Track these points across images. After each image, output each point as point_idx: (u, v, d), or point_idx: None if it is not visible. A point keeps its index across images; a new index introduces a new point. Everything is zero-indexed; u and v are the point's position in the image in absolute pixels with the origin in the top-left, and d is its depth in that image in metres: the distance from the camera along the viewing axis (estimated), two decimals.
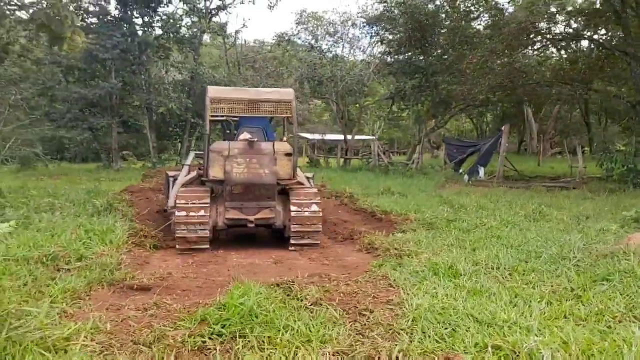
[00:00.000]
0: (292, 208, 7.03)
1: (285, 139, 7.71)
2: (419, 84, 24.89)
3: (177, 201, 6.92)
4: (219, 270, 5.88)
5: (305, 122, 36.78)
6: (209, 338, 3.35)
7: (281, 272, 5.64)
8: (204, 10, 25.61)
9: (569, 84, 19.46)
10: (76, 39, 13.56)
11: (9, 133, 22.06)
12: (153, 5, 23.36)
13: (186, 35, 24.37)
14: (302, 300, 4.02)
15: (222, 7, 26.24)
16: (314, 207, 7.05)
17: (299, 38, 26.94)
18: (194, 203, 6.85)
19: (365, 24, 24.12)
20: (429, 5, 22.43)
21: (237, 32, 32.48)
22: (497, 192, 14.62)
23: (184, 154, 25.37)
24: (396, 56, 25.06)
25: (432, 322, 3.52)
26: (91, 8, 23.11)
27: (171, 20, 22.93)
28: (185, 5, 23.48)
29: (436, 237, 7.09)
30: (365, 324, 3.59)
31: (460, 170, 21.29)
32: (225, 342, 3.32)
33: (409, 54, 24.56)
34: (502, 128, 19.70)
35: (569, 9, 17.03)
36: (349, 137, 27.54)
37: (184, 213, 6.77)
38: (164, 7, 23.92)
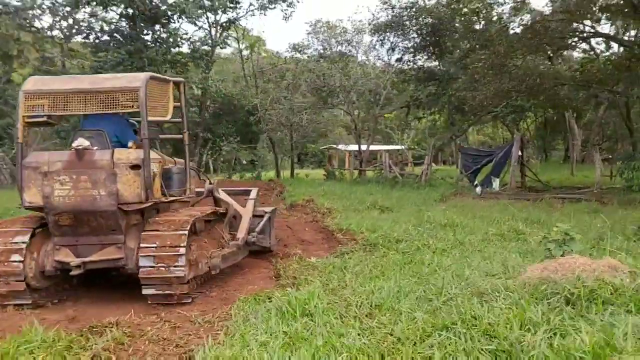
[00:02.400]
0: (142, 244, 5.22)
1: (131, 144, 5.62)
2: (434, 91, 24.12)
3: None
4: None
5: (329, 132, 36.44)
6: None
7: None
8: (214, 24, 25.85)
9: (596, 86, 18.23)
10: (27, 56, 13.82)
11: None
12: (163, 21, 23.75)
13: (199, 50, 24.58)
14: None
15: (233, 21, 26.35)
16: (177, 242, 5.20)
17: (309, 48, 26.72)
18: (6, 245, 5.21)
19: (374, 32, 23.60)
20: (442, 8, 21.70)
21: (251, 45, 32.44)
22: (497, 205, 13.84)
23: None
24: (410, 63, 24.45)
25: None
26: (99, 26, 23.77)
27: (172, 36, 23.19)
28: (186, 20, 23.69)
29: (360, 262, 6.59)
30: None
31: (476, 182, 20.39)
32: None
33: (424, 60, 23.89)
34: (515, 136, 18.68)
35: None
36: (363, 147, 26.98)
37: None
38: (174, 23, 24.31)
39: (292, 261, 6.81)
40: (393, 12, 22.32)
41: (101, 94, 5.27)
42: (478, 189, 18.57)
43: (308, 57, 26.70)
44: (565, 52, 23.18)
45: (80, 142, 5.29)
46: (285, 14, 27.21)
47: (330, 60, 24.98)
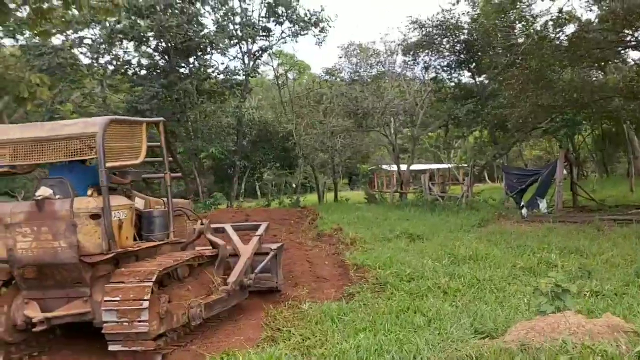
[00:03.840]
0: (105, 297, 4.93)
1: (91, 191, 5.30)
2: (473, 108, 23.30)
3: None
4: None
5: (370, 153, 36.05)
6: None
7: None
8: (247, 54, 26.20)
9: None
10: (40, 96, 14.18)
11: None
12: (199, 53, 24.28)
13: (229, 81, 24.95)
14: None
15: (265, 49, 26.60)
16: (140, 295, 4.85)
17: (341, 72, 26.54)
18: None
19: (406, 52, 23.15)
20: (473, 24, 21.06)
21: (286, 71, 32.65)
22: (538, 230, 13.00)
23: (232, 197, 25.72)
24: (447, 81, 23.81)
25: None
26: (137, 61, 24.56)
27: (202, 68, 23.61)
28: (217, 51, 24.09)
29: (359, 306, 6.13)
30: None
31: (522, 203, 19.34)
32: None
33: (459, 77, 23.22)
34: (559, 154, 17.63)
35: None
36: (403, 168, 26.34)
37: None
38: (207, 54, 24.79)
39: (284, 307, 6.36)
40: (423, 31, 21.82)
41: (59, 141, 5.07)
42: (524, 211, 17.54)
43: (342, 80, 26.51)
44: (617, 62, 21.85)
45: (42, 191, 5.11)
46: (318, 39, 27.23)
47: (363, 83, 24.66)
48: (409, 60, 24.61)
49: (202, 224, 6.65)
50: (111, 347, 4.90)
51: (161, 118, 6.41)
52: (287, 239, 12.19)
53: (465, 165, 35.63)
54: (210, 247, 6.73)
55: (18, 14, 18.71)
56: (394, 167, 28.92)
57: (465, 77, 23.11)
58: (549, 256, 8.82)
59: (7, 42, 24.66)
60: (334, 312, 5.89)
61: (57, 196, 5.15)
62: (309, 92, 29.32)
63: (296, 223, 16.56)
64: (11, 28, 23.02)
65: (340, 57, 26.70)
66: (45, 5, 14.80)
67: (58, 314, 5.16)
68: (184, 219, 6.70)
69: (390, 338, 4.62)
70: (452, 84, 24.70)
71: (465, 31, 22.16)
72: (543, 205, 17.78)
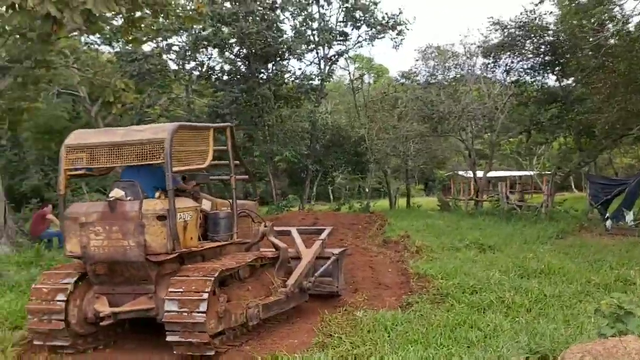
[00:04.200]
0: (170, 289, 5.25)
1: (159, 194, 5.62)
2: (557, 113, 22.09)
3: (35, 283, 5.79)
4: None
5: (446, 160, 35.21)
6: None
7: None
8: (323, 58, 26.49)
9: None
10: (125, 100, 14.99)
11: None
12: (277, 59, 24.90)
13: (304, 86, 25.35)
14: None
15: (341, 53, 26.76)
16: (202, 288, 5.12)
17: (417, 75, 26.08)
18: (54, 284, 5.52)
19: (486, 54, 22.35)
20: (560, 26, 19.99)
21: (361, 75, 32.60)
22: (621, 245, 12.33)
23: (304, 200, 26.06)
24: (530, 85, 22.75)
25: None
26: (220, 67, 25.55)
27: (279, 74, 24.11)
28: (293, 56, 24.49)
29: (415, 317, 6.05)
30: None
31: (607, 215, 18.10)
32: None
33: (543, 80, 22.12)
34: None
35: None
36: (479, 174, 25.47)
37: (37, 297, 5.51)
38: (286, 60, 25.35)
39: (339, 313, 6.40)
40: (505, 32, 20.99)
41: (131, 146, 5.40)
42: (608, 223, 16.42)
43: (417, 84, 26.10)
44: None
45: (115, 193, 5.45)
46: (395, 42, 27.05)
47: (439, 87, 24.14)
48: (489, 63, 23.79)
49: (265, 226, 6.87)
50: (169, 338, 5.14)
51: (228, 124, 6.74)
52: (352, 244, 12.19)
53: (549, 173, 33.91)
54: (273, 249, 6.91)
55: (114, 22, 20.11)
56: (471, 174, 28.10)
57: (550, 80, 21.98)
58: (627, 273, 8.25)
59: (105, 49, 26.63)
60: (388, 322, 5.86)
61: (128, 198, 5.46)
62: (384, 96, 29.15)
63: (364, 228, 16.51)
64: (107, 36, 24.80)
65: (417, 60, 26.28)
66: (137, 15, 15.86)
67: (124, 309, 5.47)
68: (249, 220, 6.94)
69: (441, 353, 4.55)
70: (536, 87, 23.55)
71: (551, 32, 21.08)
72: (629, 217, 16.53)
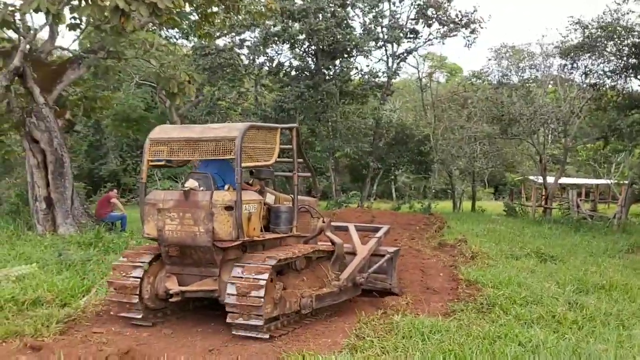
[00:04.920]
0: (232, 273, 5.75)
1: (227, 187, 6.13)
2: (639, 119, 20.58)
3: (117, 261, 6.45)
4: None
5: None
6: None
7: None
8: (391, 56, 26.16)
9: None
10: (189, 92, 15.37)
11: None
12: (345, 55, 24.86)
13: (369, 82, 25.16)
14: None
15: (410, 51, 26.31)
16: (260, 273, 5.59)
17: (488, 75, 25.13)
18: (131, 262, 6.18)
19: (564, 55, 21.12)
20: None
21: (430, 74, 31.81)
22: None
23: (364, 197, 25.87)
24: (608, 89, 21.31)
25: None
26: (289, 62, 25.84)
27: (344, 70, 24.00)
28: (360, 54, 24.29)
29: (455, 327, 5.85)
30: None
31: None
32: None
33: (624, 85, 20.63)
34: None
35: None
36: (550, 180, 24.24)
37: (117, 272, 6.17)
38: (353, 57, 25.23)
39: (377, 315, 6.27)
40: (585, 32, 19.76)
41: (207, 142, 5.95)
42: None
43: (490, 84, 25.17)
44: None
45: (190, 183, 6.02)
46: (468, 40, 26.27)
47: (511, 87, 23.13)
48: (566, 64, 22.51)
49: (324, 222, 7.27)
50: (229, 319, 5.65)
51: (294, 124, 7.19)
52: (406, 245, 11.99)
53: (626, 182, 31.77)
54: (330, 244, 7.26)
55: (192, 17, 20.79)
56: (541, 179, 26.82)
57: (633, 84, 20.50)
58: None
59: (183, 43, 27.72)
60: (425, 328, 5.66)
61: (201, 188, 6.01)
62: (453, 95, 28.41)
63: (421, 230, 16.19)
64: (185, 31, 25.75)
65: (490, 60, 25.39)
66: (209, 11, 16.35)
67: (191, 289, 6.02)
68: (308, 215, 7.33)
69: None
70: (616, 91, 22.05)
71: (636, 33, 19.63)
72: None
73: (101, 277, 7.78)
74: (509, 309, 6.80)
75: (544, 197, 25.00)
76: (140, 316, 6.09)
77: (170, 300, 6.09)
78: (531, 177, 34.66)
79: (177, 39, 28.00)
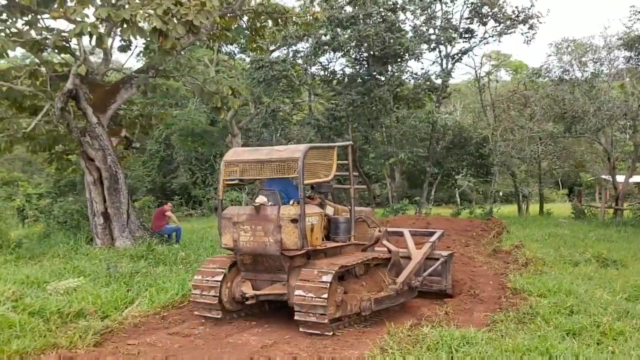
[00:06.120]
0: (300, 277, 6.53)
1: (292, 202, 6.92)
2: None
3: (201, 266, 7.37)
4: None
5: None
6: None
7: None
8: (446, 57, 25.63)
9: None
10: (232, 106, 15.65)
11: None
12: (397, 60, 24.63)
13: (421, 85, 24.76)
14: None
15: (465, 51, 25.65)
16: (324, 278, 6.31)
17: (549, 72, 23.92)
18: (212, 268, 7.12)
19: (628, 47, 19.79)
20: None
21: (488, 73, 30.75)
22: None
23: (422, 203, 25.30)
24: None
25: None
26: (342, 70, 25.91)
27: (396, 74, 23.70)
28: (411, 57, 23.92)
29: (491, 338, 5.70)
30: None
31: None
32: None
33: None
34: None
35: None
36: (620, 179, 22.67)
37: (200, 277, 7.11)
38: (405, 61, 24.95)
39: (407, 326, 6.14)
40: None
41: (273, 163, 6.81)
42: None
43: (551, 81, 23.99)
44: None
45: (260, 199, 6.89)
46: (526, 37, 25.45)
47: (574, 83, 21.92)
48: (633, 56, 21.08)
49: (380, 231, 7.95)
50: (297, 317, 6.43)
51: (350, 142, 8.08)
52: (458, 252, 11.64)
53: None
54: (386, 251, 7.99)
55: (247, 32, 21.31)
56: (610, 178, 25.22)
57: None
58: None
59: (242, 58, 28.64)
60: (454, 341, 5.45)
61: (270, 203, 6.88)
62: (513, 94, 27.33)
63: (478, 235, 15.75)
64: (243, 46, 26.51)
65: (550, 55, 24.34)
66: (258, 25, 16.77)
67: (263, 292, 6.92)
68: (365, 225, 8.06)
69: None
70: None
71: None
72: None
73: (146, 289, 8.14)
74: (551, 319, 6.49)
75: (614, 197, 23.41)
76: (219, 316, 7.00)
77: (246, 302, 7.00)
78: (603, 177, 32.68)
79: (235, 54, 28.74)
